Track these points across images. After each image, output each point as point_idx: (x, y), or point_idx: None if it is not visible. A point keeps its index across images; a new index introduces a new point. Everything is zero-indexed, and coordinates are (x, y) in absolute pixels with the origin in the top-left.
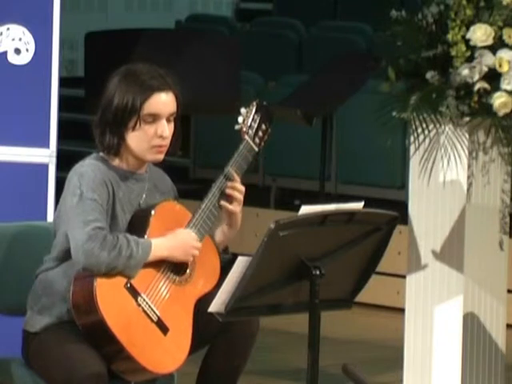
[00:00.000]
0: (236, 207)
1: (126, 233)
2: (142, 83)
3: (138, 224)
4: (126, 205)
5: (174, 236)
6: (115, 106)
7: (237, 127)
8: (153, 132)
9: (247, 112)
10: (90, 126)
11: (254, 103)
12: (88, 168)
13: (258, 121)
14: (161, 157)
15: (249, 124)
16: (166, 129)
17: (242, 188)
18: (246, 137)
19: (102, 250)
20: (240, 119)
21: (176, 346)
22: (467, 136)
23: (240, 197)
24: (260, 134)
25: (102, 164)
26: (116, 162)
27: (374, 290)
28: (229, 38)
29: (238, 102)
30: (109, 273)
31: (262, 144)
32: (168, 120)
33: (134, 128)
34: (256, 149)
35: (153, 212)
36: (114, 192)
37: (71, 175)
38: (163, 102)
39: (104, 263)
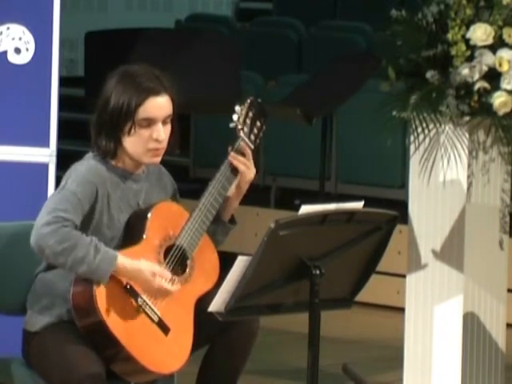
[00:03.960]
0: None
1: (124, 233)
2: (137, 86)
3: (136, 225)
4: (124, 204)
5: (144, 264)
6: (111, 108)
7: (232, 125)
8: (148, 136)
9: (242, 109)
10: (89, 125)
11: (249, 100)
12: (83, 167)
13: (252, 118)
14: (157, 160)
15: (244, 121)
16: (162, 132)
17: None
18: (242, 134)
19: (52, 237)
20: (235, 117)
21: (178, 346)
22: (467, 135)
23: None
24: (255, 130)
25: (100, 164)
26: (113, 162)
27: (373, 290)
28: (229, 37)
29: (238, 102)
30: (58, 265)
31: (258, 141)
32: (164, 122)
33: (129, 133)
34: (251, 146)
35: (149, 213)
36: (109, 193)
37: (68, 172)
38: (158, 106)
39: (50, 250)
